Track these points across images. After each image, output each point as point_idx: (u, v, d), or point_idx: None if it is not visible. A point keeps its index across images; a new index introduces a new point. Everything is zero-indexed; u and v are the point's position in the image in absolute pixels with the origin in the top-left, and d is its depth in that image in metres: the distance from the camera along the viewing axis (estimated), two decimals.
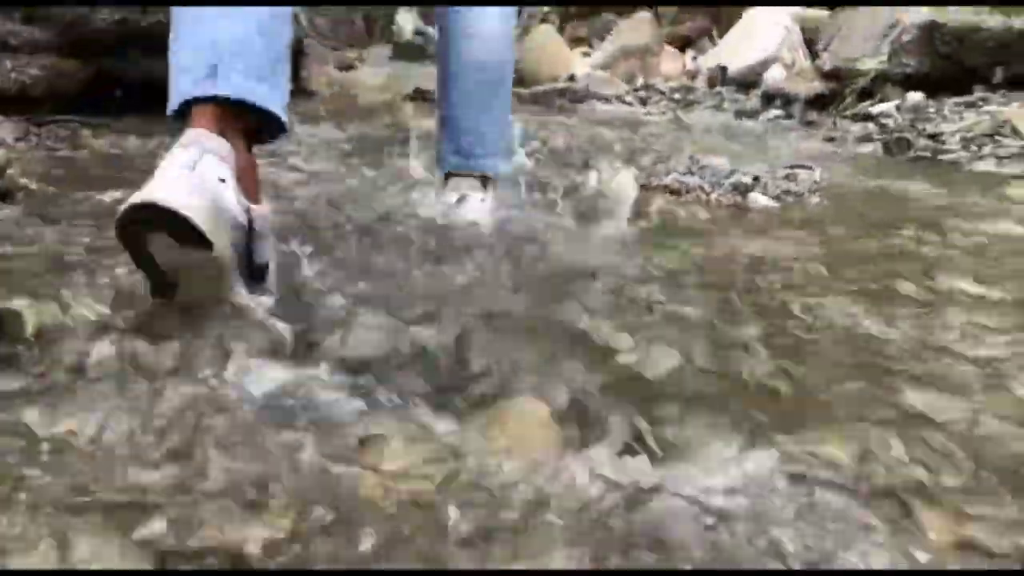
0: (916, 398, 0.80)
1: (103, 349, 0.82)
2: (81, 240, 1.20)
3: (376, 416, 0.74)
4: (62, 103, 2.59)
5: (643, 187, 2.04)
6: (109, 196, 1.53)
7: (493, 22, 1.64)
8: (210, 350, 0.83)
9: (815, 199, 2.01)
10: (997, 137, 3.19)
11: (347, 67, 5.65)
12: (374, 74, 5.57)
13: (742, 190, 1.96)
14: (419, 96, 5.27)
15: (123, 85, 2.88)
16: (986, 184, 2.48)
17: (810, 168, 2.19)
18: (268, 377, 0.80)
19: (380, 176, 1.92)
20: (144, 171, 1.74)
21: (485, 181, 1.63)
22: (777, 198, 1.98)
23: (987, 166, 2.87)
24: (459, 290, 1.11)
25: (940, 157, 3.07)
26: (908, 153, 3.30)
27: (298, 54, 5.45)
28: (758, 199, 1.93)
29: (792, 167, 2.22)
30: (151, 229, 0.89)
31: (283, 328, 0.89)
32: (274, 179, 1.78)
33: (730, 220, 1.72)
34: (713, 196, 1.94)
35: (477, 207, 1.59)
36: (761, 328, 1.01)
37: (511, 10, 1.69)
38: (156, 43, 2.90)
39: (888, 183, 2.36)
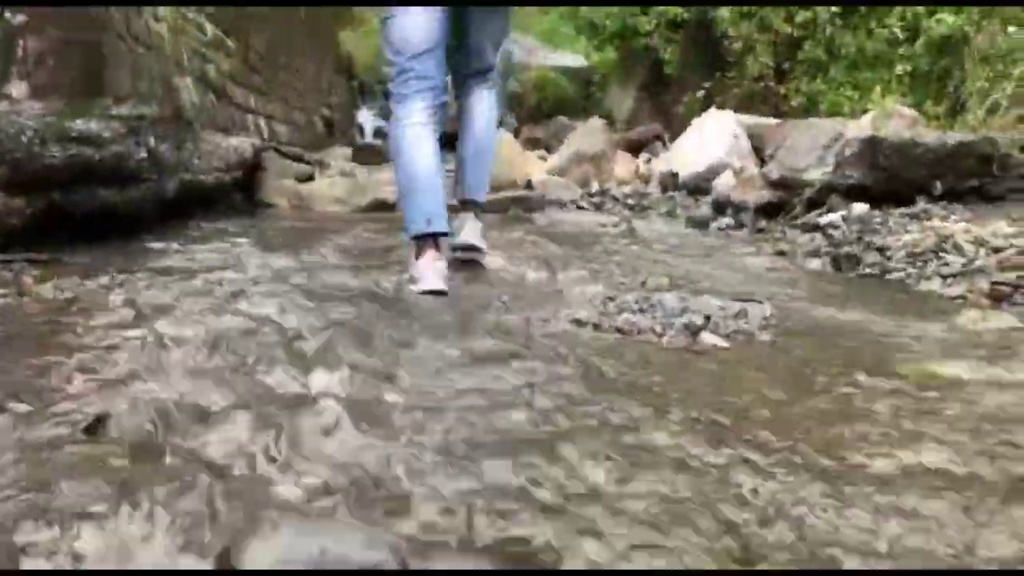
0: None
1: None
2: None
3: None
4: (11, 240, 2.56)
5: (595, 327, 2.05)
6: (44, 364, 1.49)
7: (484, 114, 2.79)
8: None
9: (766, 337, 2.02)
10: (941, 254, 3.28)
11: (306, 178, 5.68)
12: (332, 185, 5.60)
13: (693, 330, 1.98)
14: (377, 207, 5.31)
15: (76, 218, 2.87)
16: (935, 309, 2.53)
17: (760, 302, 2.22)
18: None
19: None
20: (84, 338, 1.68)
21: (476, 212, 2.82)
22: (728, 337, 1.99)
23: (933, 285, 2.93)
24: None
25: (888, 276, 3.14)
26: (857, 269, 3.37)
27: (255, 168, 5.48)
28: (709, 340, 1.95)
29: (742, 300, 2.24)
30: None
31: None
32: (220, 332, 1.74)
33: (679, 368, 1.72)
34: (665, 339, 1.95)
35: (473, 228, 2.78)
36: (705, 522, 0.99)
37: (495, 106, 2.84)
38: (109, 175, 2.92)
39: (838, 313, 2.40)
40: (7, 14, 2.55)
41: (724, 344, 1.94)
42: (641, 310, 2.10)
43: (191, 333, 1.70)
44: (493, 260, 2.88)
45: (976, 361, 1.81)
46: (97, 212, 2.94)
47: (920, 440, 1.31)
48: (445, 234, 2.53)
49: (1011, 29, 4.33)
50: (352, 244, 3.40)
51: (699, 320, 2.01)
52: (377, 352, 1.65)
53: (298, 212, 5.07)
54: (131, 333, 1.71)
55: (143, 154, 3.09)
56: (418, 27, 2.44)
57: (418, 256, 2.43)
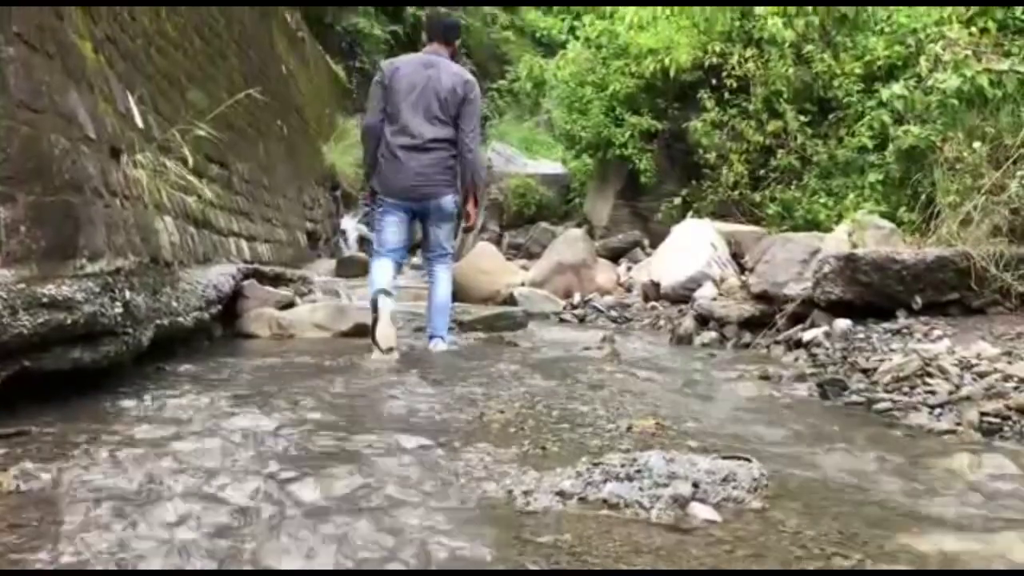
0: None
1: None
2: None
3: None
4: None
5: (580, 499, 1.98)
6: None
7: (441, 285, 4.56)
8: None
9: (757, 503, 1.97)
10: (927, 379, 3.26)
11: (287, 305, 5.65)
12: (313, 311, 5.56)
13: (681, 503, 1.92)
14: (358, 332, 5.25)
15: (46, 381, 2.81)
16: (925, 452, 2.48)
17: (749, 460, 2.17)
18: None
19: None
20: (42, 552, 1.58)
21: (441, 339, 4.45)
22: (718, 506, 1.93)
23: (921, 419, 2.89)
24: None
25: (875, 406, 3.10)
26: (843, 396, 3.33)
27: (237, 296, 5.45)
28: (698, 512, 1.89)
29: (731, 457, 2.19)
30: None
31: None
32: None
33: (668, 556, 1.65)
34: (653, 513, 1.88)
35: (441, 347, 4.41)
36: None
37: (449, 277, 4.61)
38: (82, 335, 2.87)
39: (829, 463, 2.36)
40: None
41: (714, 516, 1.88)
42: (628, 477, 2.04)
43: (154, 543, 1.63)
44: (475, 396, 2.83)
45: (973, 533, 1.76)
46: (69, 372, 2.88)
47: None
48: (389, 293, 4.24)
49: (976, 144, 4.43)
50: (336, 390, 3.34)
51: (687, 490, 1.95)
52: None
53: (279, 342, 5.01)
54: (91, 540, 1.64)
55: (118, 309, 3.05)
56: (392, 233, 4.44)
57: (372, 312, 4.21)
